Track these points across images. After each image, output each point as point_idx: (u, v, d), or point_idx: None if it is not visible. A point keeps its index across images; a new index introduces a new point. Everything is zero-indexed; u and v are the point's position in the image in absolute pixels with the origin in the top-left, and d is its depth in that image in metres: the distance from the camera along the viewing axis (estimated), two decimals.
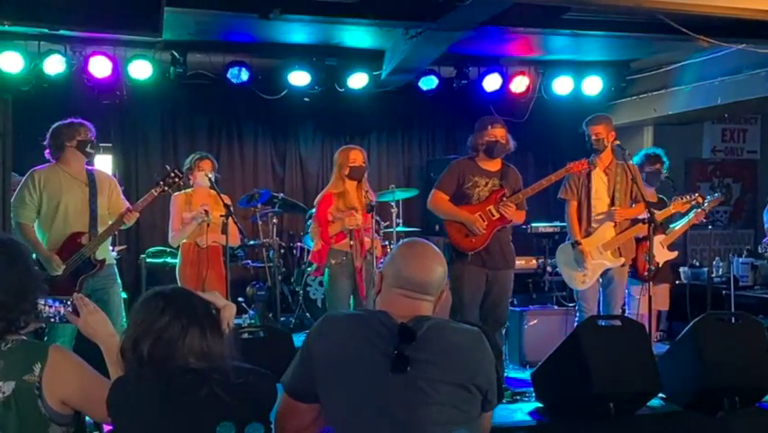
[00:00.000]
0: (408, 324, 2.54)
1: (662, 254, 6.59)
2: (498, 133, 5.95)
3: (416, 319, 2.57)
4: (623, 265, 6.26)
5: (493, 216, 5.88)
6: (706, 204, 6.94)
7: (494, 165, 6.02)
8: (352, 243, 6.12)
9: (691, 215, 6.86)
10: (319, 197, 6.34)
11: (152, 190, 5.78)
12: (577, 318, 6.35)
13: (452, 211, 5.91)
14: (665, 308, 6.86)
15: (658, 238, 6.52)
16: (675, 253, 6.88)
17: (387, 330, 2.54)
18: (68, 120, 5.67)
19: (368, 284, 6.13)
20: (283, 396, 2.64)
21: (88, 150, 5.64)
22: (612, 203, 6.22)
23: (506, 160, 6.14)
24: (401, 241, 2.81)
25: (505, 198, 5.91)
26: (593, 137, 6.24)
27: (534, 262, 8.83)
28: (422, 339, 2.52)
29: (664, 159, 6.99)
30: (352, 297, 6.20)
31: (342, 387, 2.52)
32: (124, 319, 5.35)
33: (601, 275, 6.24)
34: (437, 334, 2.56)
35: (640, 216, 6.18)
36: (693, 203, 6.68)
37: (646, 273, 6.47)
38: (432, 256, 2.71)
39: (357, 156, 6.19)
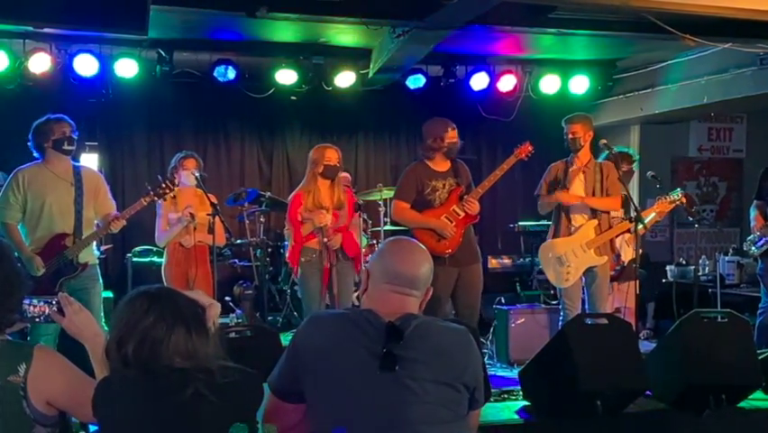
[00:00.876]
0: (396, 322, 2.52)
1: (629, 253, 6.62)
2: (456, 135, 6.08)
3: (404, 318, 2.55)
4: (605, 262, 6.30)
5: (459, 215, 5.99)
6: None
7: (445, 165, 6.13)
8: (326, 240, 6.13)
9: (653, 214, 6.84)
10: (291, 197, 6.36)
11: (142, 199, 5.73)
12: (561, 317, 6.37)
13: (420, 219, 6.01)
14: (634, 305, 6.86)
15: (624, 237, 6.56)
16: (639, 251, 6.89)
17: (374, 329, 2.52)
18: (45, 117, 5.56)
19: (339, 284, 6.19)
20: (270, 396, 2.62)
21: (66, 147, 5.50)
22: None
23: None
24: (387, 239, 2.80)
25: (465, 196, 6.00)
26: (569, 136, 6.30)
27: (522, 260, 8.85)
28: (410, 338, 2.50)
29: (636, 157, 7.03)
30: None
31: (330, 387, 2.51)
32: (104, 320, 5.32)
33: (585, 274, 6.27)
34: (425, 332, 2.55)
35: (614, 213, 6.29)
36: (678, 203, 6.67)
37: (612, 272, 6.53)
38: (419, 252, 2.72)
39: (332, 155, 6.23)
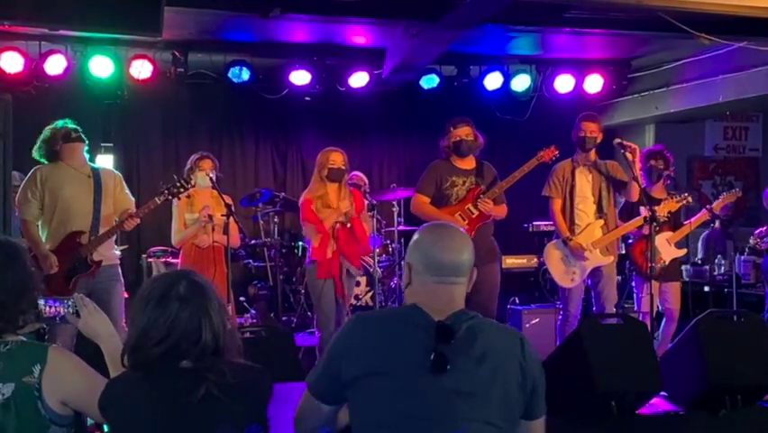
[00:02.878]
0: (446, 322, 2.40)
1: (670, 252, 6.52)
2: (461, 132, 6.08)
3: (455, 316, 2.43)
4: (611, 262, 6.30)
5: (472, 213, 6.01)
6: (719, 200, 6.88)
7: (468, 164, 6.15)
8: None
9: (702, 211, 6.81)
10: (300, 201, 6.35)
11: (156, 198, 5.76)
12: (561, 317, 6.39)
13: (435, 214, 5.98)
14: (676, 307, 6.73)
15: (665, 235, 6.48)
16: (683, 251, 6.78)
17: (422, 329, 2.40)
18: (44, 130, 5.67)
19: (348, 284, 6.22)
20: (306, 394, 2.56)
21: (74, 135, 5.59)
22: (599, 202, 6.25)
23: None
24: (422, 226, 2.68)
25: (482, 196, 5.99)
26: (588, 134, 6.24)
27: (536, 260, 8.82)
28: (461, 341, 2.37)
29: (666, 155, 6.83)
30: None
31: (374, 391, 2.39)
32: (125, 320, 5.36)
33: (590, 274, 6.27)
34: (477, 335, 2.43)
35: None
36: (684, 202, 6.62)
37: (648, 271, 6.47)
38: (458, 235, 2.58)
39: (336, 158, 6.21)
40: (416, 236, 2.59)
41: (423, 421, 2.35)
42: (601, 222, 6.24)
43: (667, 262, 6.49)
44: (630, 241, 6.76)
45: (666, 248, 6.49)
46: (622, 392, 4.42)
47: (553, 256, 6.32)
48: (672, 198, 6.56)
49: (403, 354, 2.40)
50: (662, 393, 4.78)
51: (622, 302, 7.39)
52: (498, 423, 2.39)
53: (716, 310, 5.11)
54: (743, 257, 8.16)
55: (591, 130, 6.24)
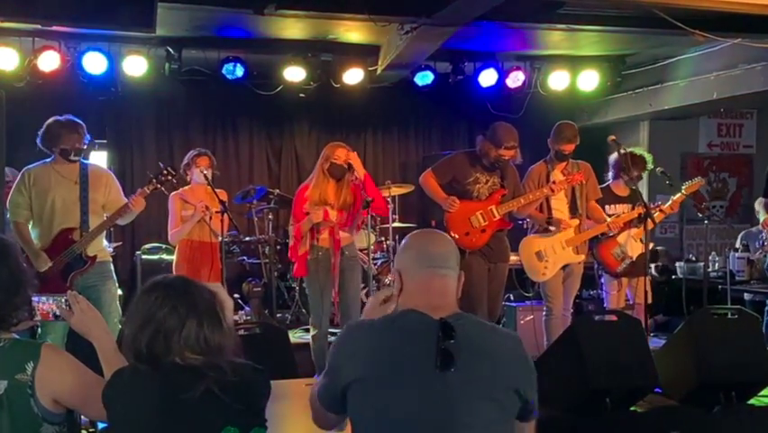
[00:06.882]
0: (449, 319, 2.41)
1: (636, 248, 6.62)
2: (507, 154, 6.04)
3: (455, 316, 2.45)
4: (581, 261, 6.44)
5: (494, 216, 6.02)
6: (683, 189, 6.92)
7: None
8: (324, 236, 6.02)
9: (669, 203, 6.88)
10: (297, 191, 6.21)
11: (145, 188, 5.68)
12: (545, 311, 6.45)
13: (435, 192, 6.07)
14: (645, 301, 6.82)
15: (631, 232, 6.59)
16: (650, 245, 6.87)
17: (420, 333, 2.41)
18: (58, 120, 5.52)
19: (346, 282, 6.06)
20: (316, 403, 2.59)
21: (72, 157, 5.45)
22: (572, 201, 6.36)
23: None
24: (407, 236, 2.74)
25: (504, 203, 6.06)
26: (568, 152, 6.33)
27: None
28: (461, 341, 2.38)
29: (650, 166, 6.96)
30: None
31: (373, 401, 2.40)
32: (117, 318, 5.34)
33: (561, 269, 6.37)
34: (476, 336, 2.45)
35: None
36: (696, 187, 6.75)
37: (617, 270, 6.54)
38: (440, 233, 2.73)
39: (341, 153, 6.02)
40: (402, 243, 2.70)
41: (423, 424, 2.35)
42: (576, 221, 6.35)
43: (635, 258, 6.57)
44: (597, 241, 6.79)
45: (632, 244, 6.61)
46: (616, 389, 4.43)
47: (528, 250, 6.38)
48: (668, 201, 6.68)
49: (402, 358, 2.40)
50: (657, 389, 4.79)
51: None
52: (498, 423, 2.42)
53: (710, 307, 5.12)
54: (737, 254, 8.17)
55: (571, 149, 6.34)
